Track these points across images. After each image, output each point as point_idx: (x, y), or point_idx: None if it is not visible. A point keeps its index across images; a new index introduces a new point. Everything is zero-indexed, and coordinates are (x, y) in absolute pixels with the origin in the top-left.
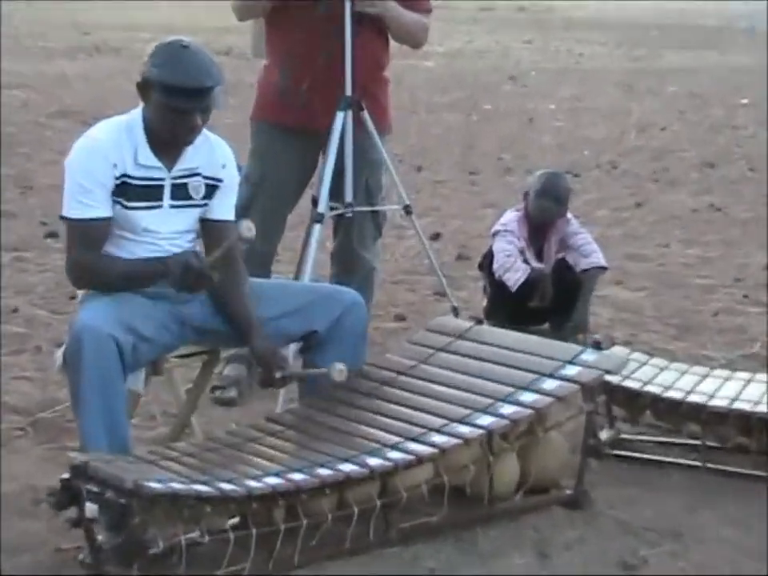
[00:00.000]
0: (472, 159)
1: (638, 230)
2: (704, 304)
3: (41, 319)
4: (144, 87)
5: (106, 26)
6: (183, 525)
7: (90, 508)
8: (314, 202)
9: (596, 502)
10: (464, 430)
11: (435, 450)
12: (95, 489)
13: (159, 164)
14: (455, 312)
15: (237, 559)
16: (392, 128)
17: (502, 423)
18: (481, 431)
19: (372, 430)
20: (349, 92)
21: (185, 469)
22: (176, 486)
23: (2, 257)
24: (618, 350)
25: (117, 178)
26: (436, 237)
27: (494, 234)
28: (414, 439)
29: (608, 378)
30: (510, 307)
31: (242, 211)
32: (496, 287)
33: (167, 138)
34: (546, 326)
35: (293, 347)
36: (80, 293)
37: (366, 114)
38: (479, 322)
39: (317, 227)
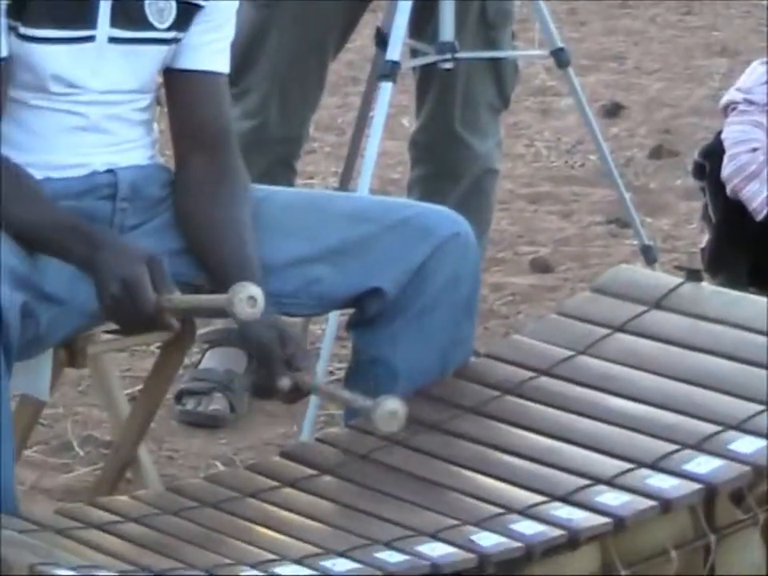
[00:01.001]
0: None
1: None
2: None
3: None
4: None
5: None
6: None
7: None
8: (381, 39)
9: None
10: (662, 482)
11: (605, 521)
12: None
13: None
14: (649, 256)
15: None
16: None
17: (735, 471)
18: (695, 486)
19: (482, 482)
20: None
21: (126, 547)
22: None
23: None
24: None
25: None
26: (615, 110)
27: (727, 109)
28: (561, 498)
29: None
30: (754, 250)
31: (244, 60)
32: (726, 211)
33: None
34: None
35: (331, 322)
36: None
37: None
38: (694, 276)
39: (385, 89)
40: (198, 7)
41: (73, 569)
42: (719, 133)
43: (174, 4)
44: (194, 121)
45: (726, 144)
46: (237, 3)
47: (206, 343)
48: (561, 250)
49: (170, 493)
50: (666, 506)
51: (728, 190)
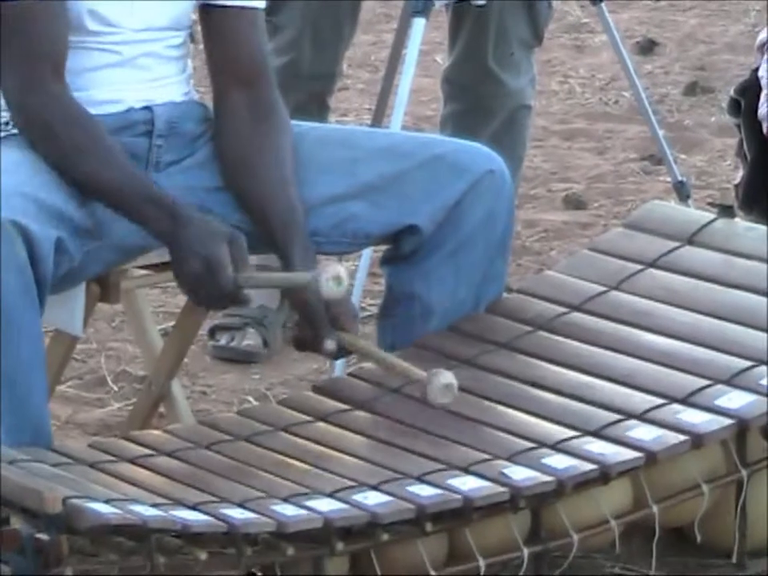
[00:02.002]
0: None
1: None
2: None
3: None
4: None
5: None
6: None
7: None
8: None
9: None
10: (694, 417)
11: (636, 455)
12: None
13: None
14: (682, 192)
15: None
16: None
17: (767, 406)
18: (727, 421)
19: (514, 416)
20: None
21: (159, 480)
22: (144, 512)
23: None
24: None
25: None
26: (649, 47)
27: (763, 47)
28: (593, 433)
29: None
30: None
31: None
32: (762, 148)
33: None
34: None
35: (364, 258)
36: None
37: None
38: (727, 212)
39: (418, 26)
40: None
41: (106, 502)
42: (755, 70)
43: None
44: (232, 56)
45: (762, 82)
46: None
47: None
48: (594, 187)
49: (202, 427)
50: (697, 440)
51: (765, 129)
